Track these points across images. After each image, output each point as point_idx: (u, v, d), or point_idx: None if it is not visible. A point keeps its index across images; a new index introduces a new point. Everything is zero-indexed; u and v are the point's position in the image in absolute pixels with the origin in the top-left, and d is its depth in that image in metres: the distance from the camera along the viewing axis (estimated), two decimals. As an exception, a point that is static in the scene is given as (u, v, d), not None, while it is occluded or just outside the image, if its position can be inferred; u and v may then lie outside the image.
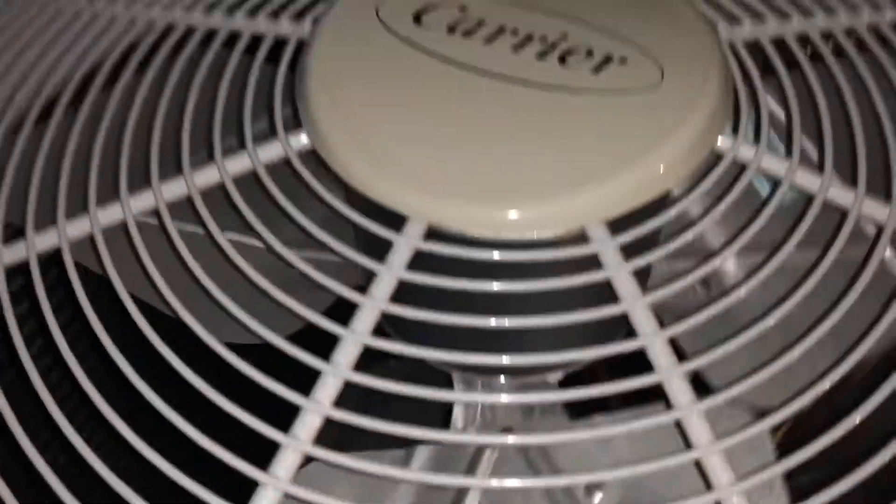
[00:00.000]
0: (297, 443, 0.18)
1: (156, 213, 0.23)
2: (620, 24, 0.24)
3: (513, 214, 0.21)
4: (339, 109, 0.23)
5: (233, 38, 0.28)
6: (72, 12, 0.30)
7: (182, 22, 0.29)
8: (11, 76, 0.28)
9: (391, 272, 0.21)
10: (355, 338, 0.20)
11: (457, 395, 0.28)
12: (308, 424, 0.19)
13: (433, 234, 0.21)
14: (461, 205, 0.21)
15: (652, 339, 0.20)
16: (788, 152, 0.23)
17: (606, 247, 0.21)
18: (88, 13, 0.30)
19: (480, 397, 0.30)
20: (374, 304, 0.20)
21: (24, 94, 0.27)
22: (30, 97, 0.27)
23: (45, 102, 0.27)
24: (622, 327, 0.20)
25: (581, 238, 0.21)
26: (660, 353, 0.19)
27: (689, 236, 0.21)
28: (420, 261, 0.21)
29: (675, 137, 0.21)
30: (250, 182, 0.23)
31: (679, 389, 0.19)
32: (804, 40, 0.27)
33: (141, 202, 0.23)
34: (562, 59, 0.23)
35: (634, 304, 0.20)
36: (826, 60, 0.26)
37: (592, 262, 0.21)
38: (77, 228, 0.23)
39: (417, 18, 0.24)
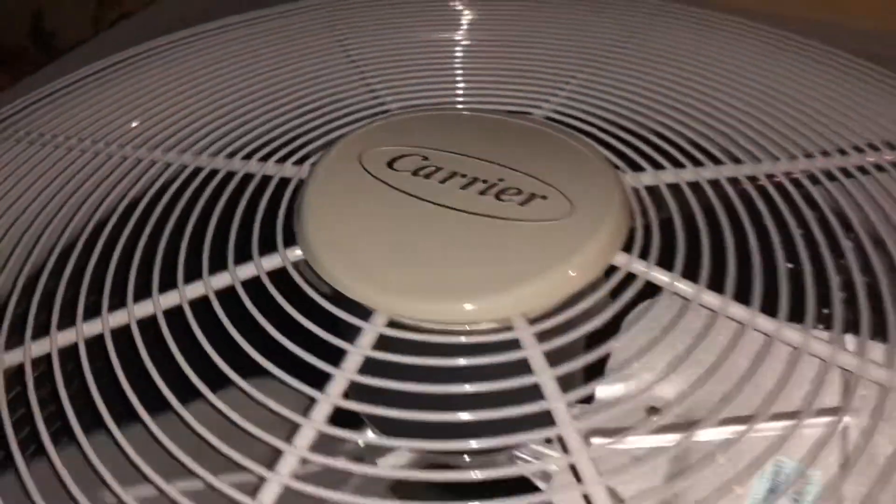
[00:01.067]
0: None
1: (178, 308, 0.30)
2: (543, 170, 0.31)
3: (456, 309, 0.27)
4: (326, 230, 0.30)
5: (247, 177, 0.35)
6: (133, 158, 0.38)
7: (208, 166, 0.36)
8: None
9: (360, 351, 0.27)
10: (329, 399, 0.26)
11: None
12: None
13: (394, 323, 0.27)
14: (416, 301, 0.27)
15: (557, 403, 0.25)
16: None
17: (525, 333, 0.27)
18: (147, 161, 0.37)
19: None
20: (343, 375, 0.26)
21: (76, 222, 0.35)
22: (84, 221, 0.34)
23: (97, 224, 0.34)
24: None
25: (508, 328, 0.27)
26: (562, 417, 0.25)
27: (595, 324, 0.28)
28: (383, 343, 0.27)
29: (580, 254, 0.28)
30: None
31: (573, 438, 0.24)
32: (695, 186, 0.34)
33: (167, 300, 0.30)
34: (497, 196, 0.30)
35: (543, 376, 0.26)
36: (711, 201, 0.33)
37: (515, 346, 0.27)
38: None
39: (390, 164, 0.32)
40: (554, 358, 0.26)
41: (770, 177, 0.35)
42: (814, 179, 0.35)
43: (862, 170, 0.36)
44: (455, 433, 0.25)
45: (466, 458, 0.30)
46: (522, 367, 0.26)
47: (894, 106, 0.39)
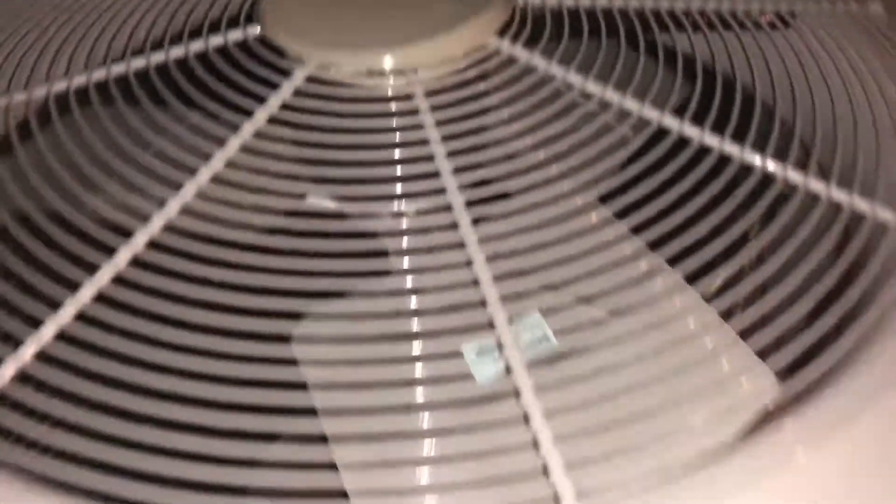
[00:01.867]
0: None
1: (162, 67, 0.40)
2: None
3: (369, 60, 0.37)
4: (275, 12, 0.40)
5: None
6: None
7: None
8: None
9: (293, 83, 0.37)
10: (267, 110, 0.35)
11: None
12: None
13: (324, 68, 0.37)
14: (340, 52, 0.37)
15: (440, 161, 0.35)
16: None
17: (414, 81, 0.37)
18: None
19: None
20: (280, 96, 0.36)
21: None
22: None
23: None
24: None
25: (406, 75, 0.37)
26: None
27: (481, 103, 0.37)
28: (312, 82, 0.37)
29: (459, 27, 0.38)
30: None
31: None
32: (573, 12, 0.44)
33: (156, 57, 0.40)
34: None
35: (425, 119, 0.36)
36: (581, 20, 0.43)
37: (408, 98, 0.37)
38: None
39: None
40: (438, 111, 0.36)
41: (639, 12, 0.45)
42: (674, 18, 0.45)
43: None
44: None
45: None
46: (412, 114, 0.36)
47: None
